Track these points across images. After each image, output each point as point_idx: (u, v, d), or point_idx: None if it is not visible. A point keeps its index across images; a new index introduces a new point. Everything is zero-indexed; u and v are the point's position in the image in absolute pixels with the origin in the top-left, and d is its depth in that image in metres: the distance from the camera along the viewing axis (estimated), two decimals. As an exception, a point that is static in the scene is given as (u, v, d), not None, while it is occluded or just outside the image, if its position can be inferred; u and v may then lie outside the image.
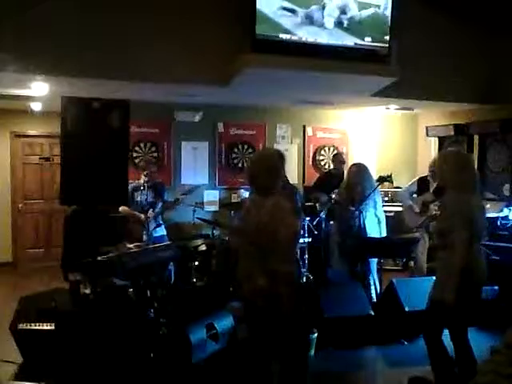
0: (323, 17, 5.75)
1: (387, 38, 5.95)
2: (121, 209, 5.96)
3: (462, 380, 3.46)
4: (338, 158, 7.21)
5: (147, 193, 6.04)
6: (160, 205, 6.14)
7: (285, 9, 5.57)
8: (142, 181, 6.11)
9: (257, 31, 5.48)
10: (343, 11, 5.80)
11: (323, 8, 5.72)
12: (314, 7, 5.69)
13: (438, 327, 3.58)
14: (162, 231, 6.17)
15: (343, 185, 5.95)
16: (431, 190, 5.94)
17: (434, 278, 3.67)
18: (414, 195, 6.29)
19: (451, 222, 3.46)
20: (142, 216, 5.97)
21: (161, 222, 6.19)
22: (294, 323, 3.11)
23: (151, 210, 6.02)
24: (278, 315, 3.03)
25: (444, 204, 3.68)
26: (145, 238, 5.92)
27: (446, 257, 3.50)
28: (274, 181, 3.17)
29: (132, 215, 6.02)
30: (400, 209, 7.15)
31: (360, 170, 5.78)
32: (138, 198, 6.07)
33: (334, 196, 6.17)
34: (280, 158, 3.26)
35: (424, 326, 3.70)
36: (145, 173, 6.15)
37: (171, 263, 5.83)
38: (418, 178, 6.50)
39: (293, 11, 5.61)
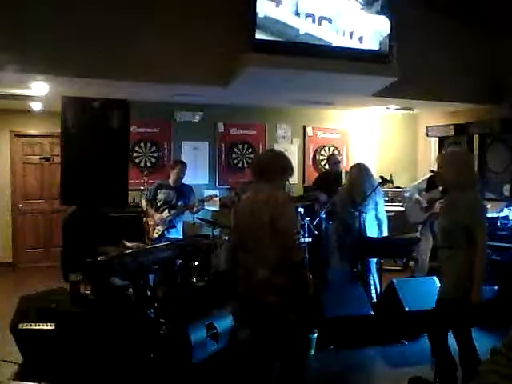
0: (323, 17, 5.75)
1: (387, 38, 5.96)
2: (143, 203, 5.96)
3: (466, 381, 3.46)
4: (333, 160, 7.29)
5: (169, 193, 6.03)
6: (178, 207, 6.05)
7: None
8: (170, 181, 6.10)
9: (257, 33, 5.48)
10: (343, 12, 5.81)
11: (323, 9, 5.73)
12: (313, 8, 5.70)
13: (446, 327, 3.59)
14: (176, 233, 6.13)
15: (344, 185, 5.95)
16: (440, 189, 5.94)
17: (441, 277, 3.66)
18: (423, 192, 6.30)
19: (467, 220, 3.44)
20: (157, 216, 5.97)
21: (176, 224, 6.12)
22: (296, 323, 3.12)
23: (167, 210, 6.00)
24: (290, 310, 3.05)
25: (453, 202, 3.61)
26: (155, 236, 5.93)
27: (455, 255, 3.49)
28: (285, 177, 3.29)
29: (148, 214, 6.02)
30: (401, 209, 7.16)
31: (361, 170, 5.77)
32: (161, 196, 6.04)
33: (334, 197, 6.16)
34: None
35: (430, 326, 3.69)
36: (174, 172, 6.11)
37: (177, 262, 5.83)
38: (428, 175, 6.50)
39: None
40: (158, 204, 6.05)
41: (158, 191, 6.06)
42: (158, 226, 6.00)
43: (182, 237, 6.21)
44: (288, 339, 3.10)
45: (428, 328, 3.74)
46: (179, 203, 6.07)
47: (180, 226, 6.23)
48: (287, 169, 3.28)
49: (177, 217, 6.09)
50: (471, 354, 3.48)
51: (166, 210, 6.00)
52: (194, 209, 6.18)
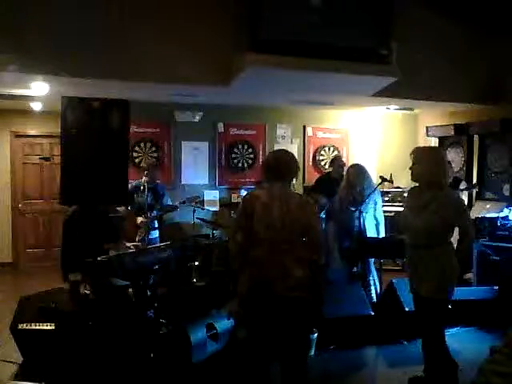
0: (323, 17, 5.75)
1: (387, 38, 5.95)
2: (120, 209, 5.96)
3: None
4: (338, 162, 6.90)
5: (147, 194, 6.04)
6: (157, 209, 6.14)
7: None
8: (142, 181, 6.11)
9: (260, 33, 5.46)
10: (343, 12, 5.80)
11: (323, 9, 5.72)
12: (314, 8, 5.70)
13: (440, 326, 3.60)
14: (155, 233, 6.24)
15: (342, 185, 5.95)
16: None
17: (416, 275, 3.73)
18: None
19: (456, 218, 3.50)
20: (139, 219, 5.99)
21: (156, 225, 6.21)
22: (300, 323, 3.13)
23: (148, 213, 6.02)
24: (314, 307, 3.15)
25: (431, 200, 3.65)
26: (138, 238, 5.94)
27: (435, 253, 3.53)
28: (295, 177, 3.40)
29: (130, 217, 6.03)
30: (401, 209, 7.14)
31: (359, 170, 5.80)
32: (138, 199, 6.07)
33: (334, 197, 6.15)
34: None
35: (425, 327, 3.70)
36: (146, 173, 6.16)
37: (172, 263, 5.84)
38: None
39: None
40: (136, 207, 6.07)
41: (134, 195, 6.08)
42: (139, 228, 6.03)
43: (158, 235, 6.28)
44: (292, 341, 3.12)
45: (422, 330, 3.75)
46: (157, 204, 6.15)
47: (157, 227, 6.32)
48: (297, 169, 3.40)
49: (156, 219, 6.18)
50: (444, 354, 3.51)
51: (148, 213, 6.01)
52: (171, 211, 6.35)
